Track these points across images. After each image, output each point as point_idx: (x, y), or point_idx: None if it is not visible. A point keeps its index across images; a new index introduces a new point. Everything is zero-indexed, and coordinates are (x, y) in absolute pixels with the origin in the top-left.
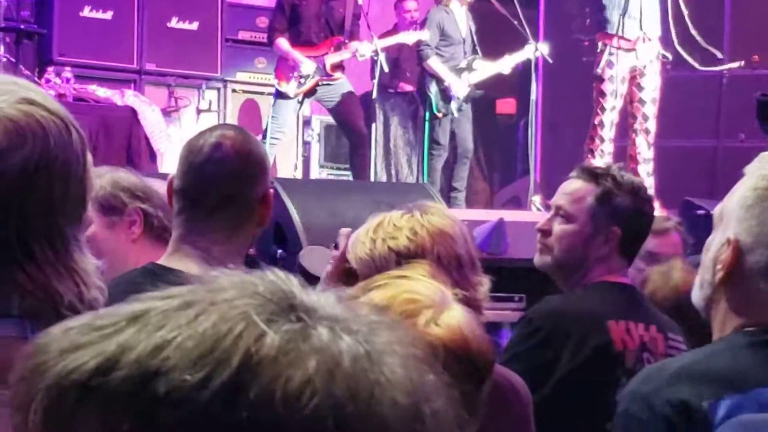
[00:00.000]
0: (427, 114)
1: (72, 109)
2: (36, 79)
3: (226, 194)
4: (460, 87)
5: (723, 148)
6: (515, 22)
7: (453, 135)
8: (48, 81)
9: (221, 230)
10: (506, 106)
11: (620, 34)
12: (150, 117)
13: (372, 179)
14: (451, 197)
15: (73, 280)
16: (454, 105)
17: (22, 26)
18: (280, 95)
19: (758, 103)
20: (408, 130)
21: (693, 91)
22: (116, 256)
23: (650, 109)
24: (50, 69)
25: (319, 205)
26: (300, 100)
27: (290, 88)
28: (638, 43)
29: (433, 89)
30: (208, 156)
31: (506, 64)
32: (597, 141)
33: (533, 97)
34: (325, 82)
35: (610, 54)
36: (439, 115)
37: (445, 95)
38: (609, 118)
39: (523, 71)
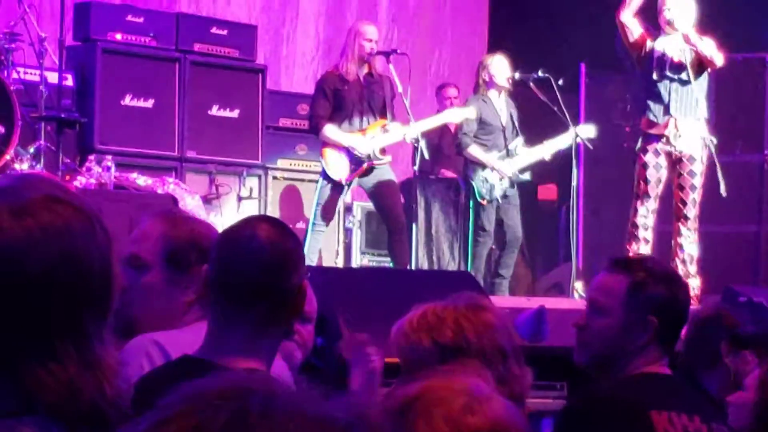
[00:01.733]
0: (472, 201)
1: (112, 197)
2: (77, 167)
3: (261, 286)
4: (503, 172)
5: (766, 234)
6: (555, 108)
7: (499, 222)
8: (89, 169)
9: (257, 322)
10: (547, 192)
11: (661, 120)
12: (190, 204)
13: (413, 266)
14: (495, 283)
15: (96, 377)
16: (498, 191)
17: (63, 115)
18: (328, 181)
19: None
20: (449, 217)
21: (735, 175)
22: (167, 314)
23: (691, 196)
24: (91, 157)
25: (359, 294)
26: (347, 186)
27: (341, 174)
28: (680, 128)
29: (475, 175)
30: (243, 248)
31: (547, 150)
32: (639, 228)
33: (575, 182)
34: (374, 166)
35: (651, 140)
36: (484, 201)
37: (488, 181)
38: (650, 207)
39: (564, 157)
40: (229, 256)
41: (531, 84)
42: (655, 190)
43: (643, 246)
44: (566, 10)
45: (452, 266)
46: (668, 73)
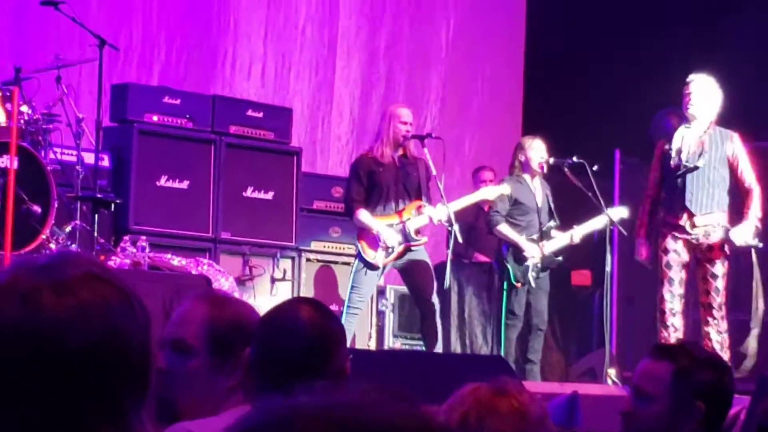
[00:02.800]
0: (505, 284)
1: (146, 277)
2: (111, 247)
3: (305, 367)
4: (535, 253)
5: None
6: (590, 194)
7: (528, 306)
8: (123, 249)
9: None
10: (581, 277)
11: (678, 211)
12: (224, 286)
13: (446, 349)
14: (527, 369)
15: None
16: (531, 274)
17: (98, 195)
18: (364, 264)
19: None
20: (482, 301)
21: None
22: (210, 400)
23: (714, 285)
24: (126, 238)
25: (392, 377)
26: (382, 269)
27: (378, 257)
28: (695, 220)
29: (510, 259)
30: (287, 328)
31: (576, 235)
32: (666, 314)
33: (608, 269)
34: (410, 248)
35: (669, 227)
36: (518, 285)
37: (522, 264)
38: (674, 291)
39: (598, 242)
40: (273, 338)
41: (565, 169)
42: (679, 275)
43: (673, 333)
44: (600, 97)
45: (485, 350)
46: (685, 163)
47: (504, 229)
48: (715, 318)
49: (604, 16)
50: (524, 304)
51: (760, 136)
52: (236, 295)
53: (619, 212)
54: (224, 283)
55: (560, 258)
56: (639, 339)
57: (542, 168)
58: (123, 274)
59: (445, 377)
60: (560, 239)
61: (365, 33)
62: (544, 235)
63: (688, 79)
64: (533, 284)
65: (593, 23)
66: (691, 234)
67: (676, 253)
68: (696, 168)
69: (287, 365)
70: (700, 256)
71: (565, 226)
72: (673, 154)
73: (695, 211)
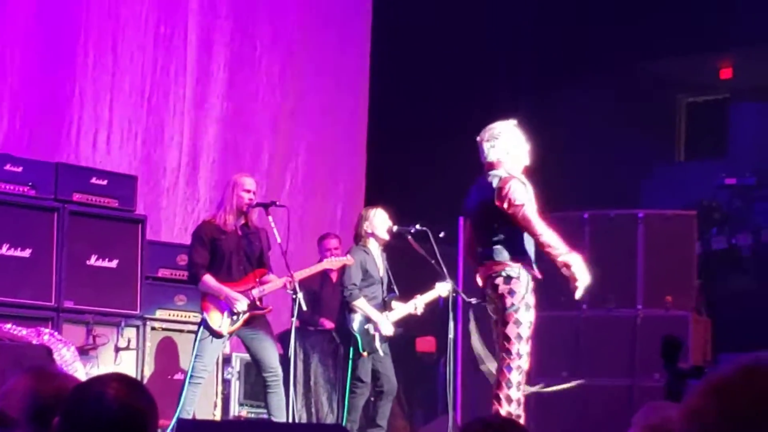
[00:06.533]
0: (351, 352)
1: None
2: None
3: None
4: (387, 326)
5: (638, 388)
6: (433, 262)
7: (376, 373)
8: None
9: None
10: (426, 344)
11: None
12: (66, 356)
13: (292, 418)
14: None
15: None
16: (378, 344)
17: None
18: (209, 332)
19: (663, 342)
20: (328, 368)
21: (608, 330)
22: None
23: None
24: None
25: None
26: (227, 336)
27: (224, 325)
28: None
29: (357, 328)
30: (91, 406)
31: (418, 304)
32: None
33: (451, 335)
34: (254, 317)
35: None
36: (365, 354)
37: (369, 333)
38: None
39: (443, 309)
40: (77, 414)
41: (409, 237)
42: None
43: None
44: (446, 165)
45: (330, 418)
46: None
47: (361, 303)
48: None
49: (448, 86)
50: (370, 371)
51: (608, 204)
52: (78, 365)
53: (446, 287)
54: (66, 353)
55: (401, 329)
56: (483, 404)
57: (389, 234)
58: None
59: None
60: (403, 309)
61: (213, 99)
62: (385, 306)
63: None
64: (381, 353)
65: (437, 93)
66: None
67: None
68: None
69: None
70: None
71: (408, 294)
72: None
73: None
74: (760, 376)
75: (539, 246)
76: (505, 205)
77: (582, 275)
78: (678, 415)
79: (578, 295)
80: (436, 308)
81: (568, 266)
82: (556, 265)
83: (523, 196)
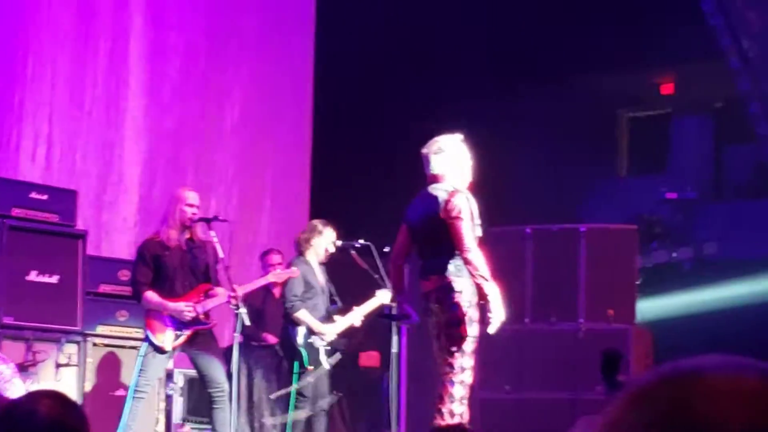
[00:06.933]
0: (296, 366)
1: None
2: None
3: None
4: (330, 338)
5: (580, 401)
6: (376, 276)
7: (314, 388)
8: None
9: None
10: (369, 359)
11: None
12: (5, 373)
13: None
14: None
15: None
16: (323, 358)
17: None
18: (153, 348)
19: (603, 356)
20: (272, 384)
21: (550, 344)
22: None
23: None
24: None
25: None
26: (170, 352)
27: (167, 340)
28: None
29: (301, 342)
30: (21, 425)
31: (356, 316)
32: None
33: (394, 350)
34: (198, 332)
35: None
36: (310, 368)
37: (314, 348)
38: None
39: (387, 323)
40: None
41: (352, 252)
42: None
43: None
44: (389, 179)
45: None
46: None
47: (303, 315)
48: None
49: (391, 100)
50: (312, 386)
51: (551, 219)
52: (17, 382)
53: (387, 294)
54: (5, 369)
55: (345, 340)
56: (428, 419)
57: (332, 249)
58: None
59: None
60: (344, 321)
61: (153, 113)
62: (329, 318)
63: None
64: (327, 367)
65: (379, 107)
66: None
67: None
68: None
69: None
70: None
71: (350, 305)
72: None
73: None
74: (677, 384)
75: (463, 261)
76: (448, 216)
77: (497, 310)
78: (599, 426)
79: (492, 330)
80: (380, 323)
81: (484, 296)
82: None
83: (464, 212)
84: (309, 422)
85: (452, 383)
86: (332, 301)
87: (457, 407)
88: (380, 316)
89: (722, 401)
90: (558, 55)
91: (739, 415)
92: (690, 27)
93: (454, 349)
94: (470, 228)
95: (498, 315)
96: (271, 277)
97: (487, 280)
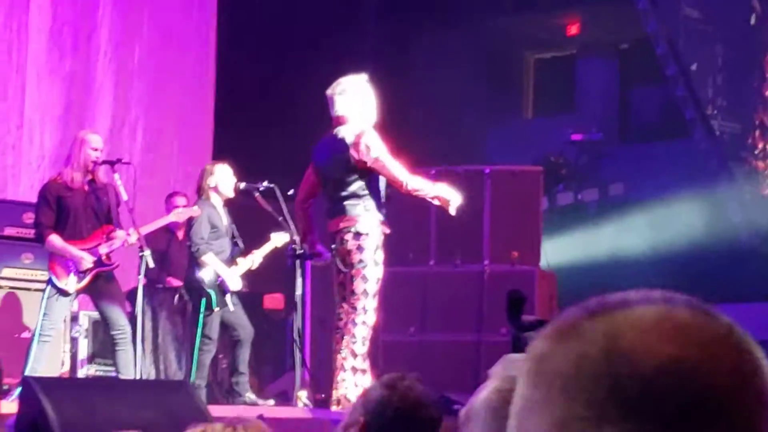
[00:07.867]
0: (202, 308)
1: None
2: None
3: None
4: (234, 281)
5: (485, 343)
6: (280, 218)
7: (229, 325)
8: None
9: None
10: (274, 301)
11: None
12: None
13: (139, 375)
14: (240, 383)
15: None
16: (228, 299)
17: None
18: (56, 291)
19: (508, 298)
20: (176, 326)
21: (455, 286)
22: None
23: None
24: None
25: (77, 404)
26: (74, 294)
27: (70, 283)
28: None
29: (209, 283)
30: None
31: (255, 259)
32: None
33: (299, 292)
34: (101, 273)
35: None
36: (216, 309)
37: (221, 290)
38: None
39: (291, 266)
40: None
41: (256, 194)
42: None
43: None
44: (294, 121)
45: (179, 376)
46: None
47: (210, 258)
48: None
49: (295, 40)
50: (218, 327)
51: (456, 160)
52: None
53: (283, 237)
54: None
55: (244, 282)
56: (332, 361)
57: (235, 191)
58: None
59: (130, 403)
60: (243, 264)
61: (56, 56)
62: (231, 261)
63: None
64: (231, 308)
65: (284, 46)
66: None
67: None
68: None
69: None
70: None
71: (253, 248)
72: None
73: None
74: (605, 318)
75: (406, 194)
76: (363, 158)
77: (452, 196)
78: (523, 362)
79: (453, 211)
80: (284, 265)
81: (439, 197)
82: (429, 202)
83: (379, 148)
84: (215, 362)
85: (355, 324)
86: (234, 244)
87: (359, 348)
88: (290, 256)
89: (651, 333)
90: None
91: (668, 346)
92: None
93: (357, 290)
94: (392, 160)
95: (455, 200)
96: (172, 217)
97: (434, 186)
